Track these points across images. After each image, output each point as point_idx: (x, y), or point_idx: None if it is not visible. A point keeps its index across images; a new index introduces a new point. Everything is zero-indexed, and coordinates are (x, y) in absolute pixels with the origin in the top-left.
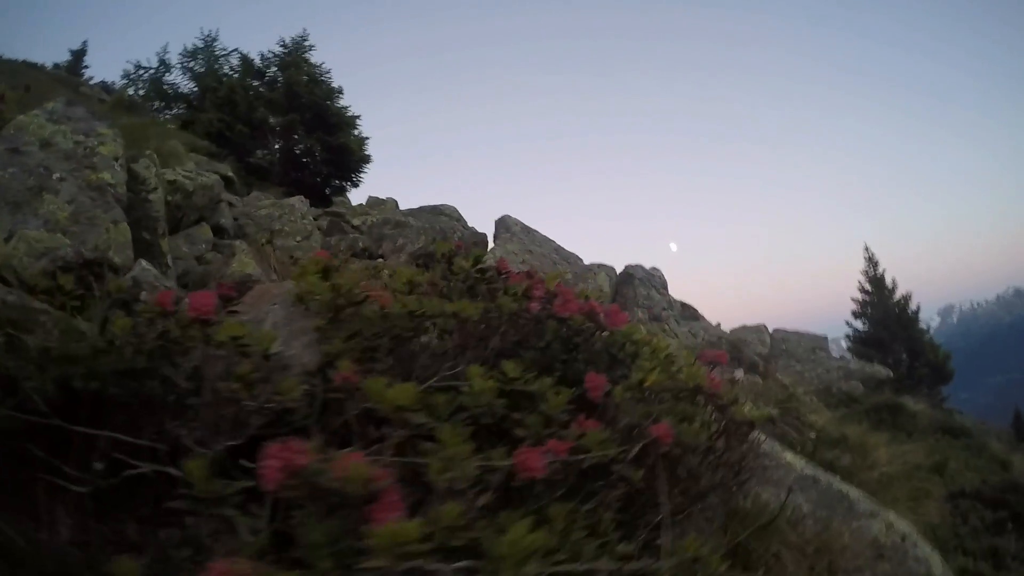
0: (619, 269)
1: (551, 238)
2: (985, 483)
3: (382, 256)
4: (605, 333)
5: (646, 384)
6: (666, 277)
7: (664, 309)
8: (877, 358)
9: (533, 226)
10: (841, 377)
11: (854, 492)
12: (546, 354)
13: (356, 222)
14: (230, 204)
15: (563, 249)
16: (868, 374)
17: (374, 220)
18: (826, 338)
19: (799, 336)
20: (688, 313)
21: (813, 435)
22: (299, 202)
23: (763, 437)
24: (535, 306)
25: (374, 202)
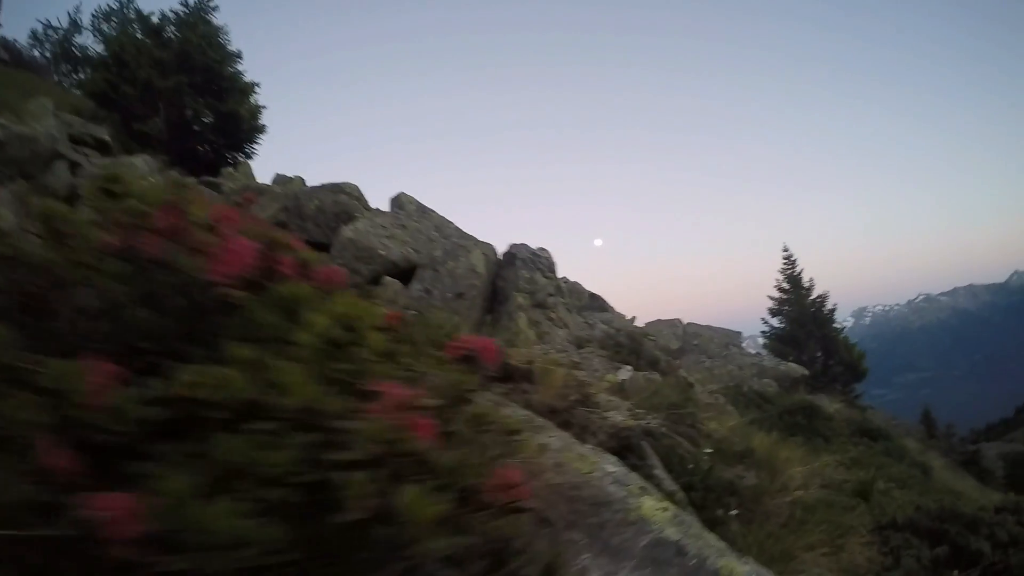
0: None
1: (450, 220)
2: (920, 510)
3: None
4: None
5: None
6: (554, 259)
7: (550, 295)
8: (792, 355)
9: (448, 215)
10: (754, 375)
11: (741, 570)
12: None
13: (227, 190)
14: (75, 164)
15: (449, 228)
16: (783, 372)
17: (232, 187)
18: (740, 334)
19: (712, 331)
20: (596, 304)
21: (709, 451)
22: (142, 161)
23: (610, 472)
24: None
25: (281, 179)
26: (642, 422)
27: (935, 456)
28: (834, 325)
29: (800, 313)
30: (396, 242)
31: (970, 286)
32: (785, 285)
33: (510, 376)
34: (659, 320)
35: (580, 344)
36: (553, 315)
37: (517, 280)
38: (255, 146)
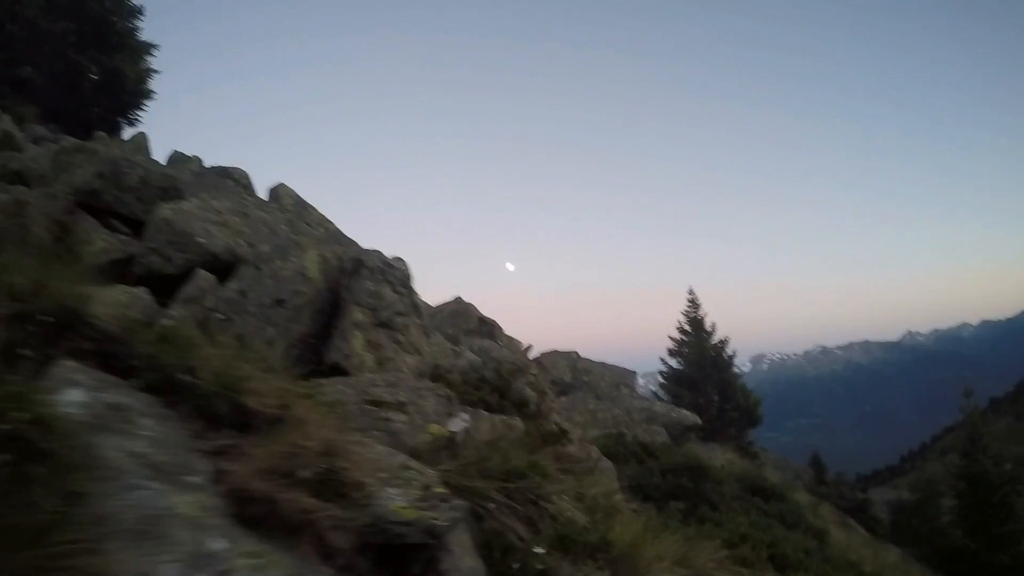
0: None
1: (330, 220)
2: None
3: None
4: None
5: None
6: (410, 272)
7: (400, 313)
8: (688, 398)
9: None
10: (643, 420)
11: None
12: None
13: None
14: None
15: (307, 219)
16: (674, 420)
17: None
18: (635, 374)
19: (604, 369)
20: (485, 329)
21: (540, 550)
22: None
23: None
24: None
25: (179, 158)
26: (435, 513)
27: (827, 508)
28: (733, 371)
29: (700, 356)
30: (227, 231)
31: (865, 342)
32: (687, 327)
33: (246, 422)
34: (555, 352)
35: (435, 376)
36: (401, 338)
37: (359, 292)
38: (140, 113)
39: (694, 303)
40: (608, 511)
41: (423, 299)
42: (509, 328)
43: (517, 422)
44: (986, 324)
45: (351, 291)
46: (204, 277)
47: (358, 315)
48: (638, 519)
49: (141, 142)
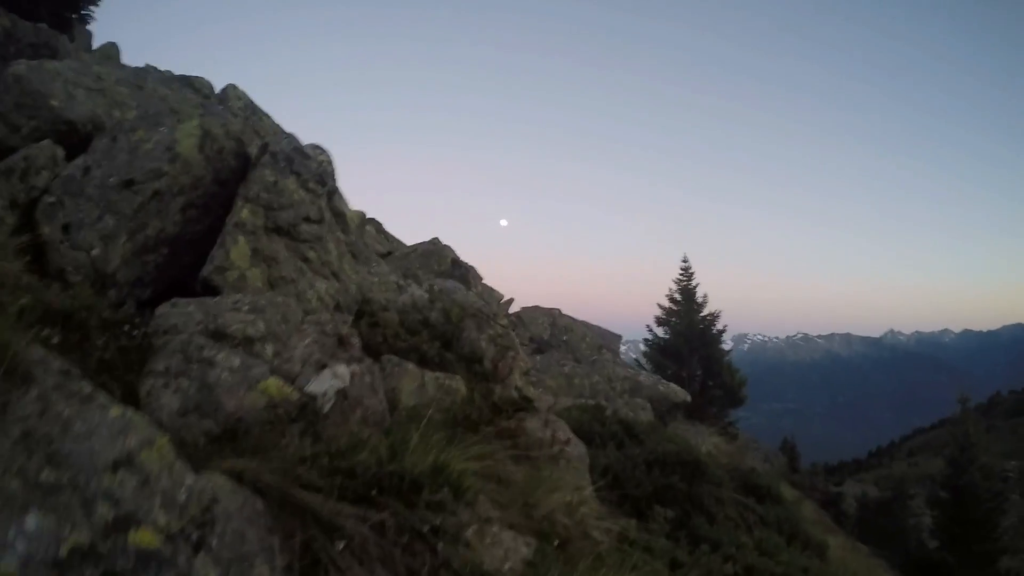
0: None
1: (287, 131)
2: None
3: None
4: None
5: None
6: (332, 167)
7: (310, 220)
8: (672, 370)
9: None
10: (626, 390)
11: None
12: None
13: None
14: None
15: (256, 127)
16: (661, 394)
17: None
18: (620, 337)
19: (587, 328)
20: (457, 273)
21: None
22: None
23: None
24: None
25: (138, 74)
26: None
27: (809, 507)
28: (721, 346)
29: (687, 328)
30: (100, 99)
31: (847, 335)
32: (677, 296)
33: None
34: (537, 307)
35: (360, 312)
36: (312, 253)
37: (253, 184)
38: (91, 10)
39: (687, 272)
40: (565, 536)
41: (351, 208)
42: (492, 280)
43: (458, 383)
44: (968, 333)
45: (247, 183)
46: (42, 148)
47: (246, 214)
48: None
49: (111, 52)
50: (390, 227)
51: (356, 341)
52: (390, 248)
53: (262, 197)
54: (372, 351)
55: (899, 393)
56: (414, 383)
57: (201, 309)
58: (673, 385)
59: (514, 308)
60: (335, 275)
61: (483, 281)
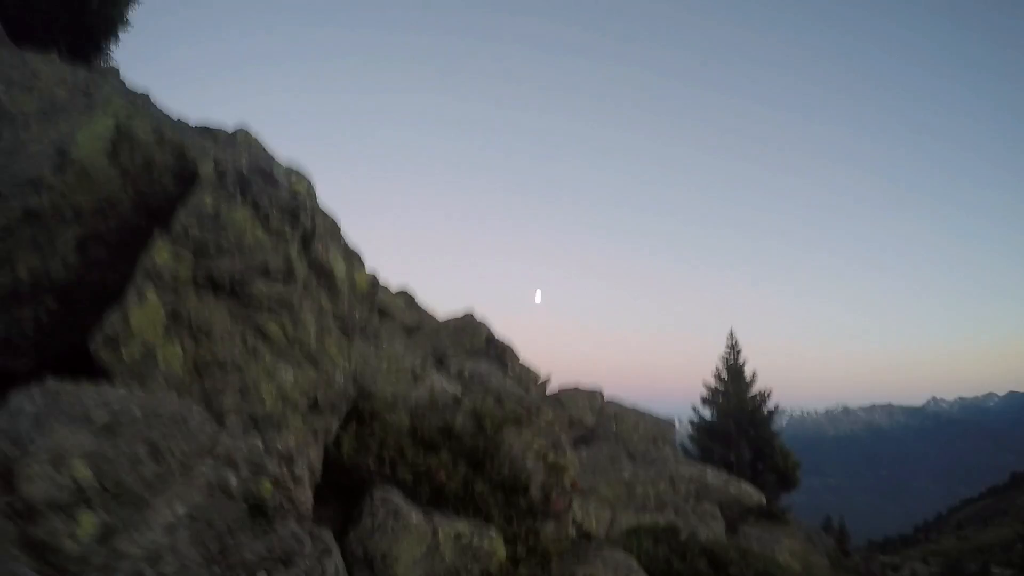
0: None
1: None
2: None
3: None
4: None
5: None
6: (316, 201)
7: (272, 273)
8: (719, 452)
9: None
10: (692, 494)
11: None
12: None
13: None
14: None
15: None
16: (732, 497)
17: None
18: (674, 424)
19: (637, 416)
20: (493, 352)
21: None
22: None
23: None
24: None
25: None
26: None
27: None
28: (771, 428)
29: (737, 408)
30: (19, 94)
31: (888, 405)
32: (724, 375)
33: None
34: (577, 389)
35: (349, 414)
36: (273, 325)
37: (185, 214)
38: (110, 43)
39: (734, 348)
40: None
41: (355, 265)
42: (527, 357)
43: (494, 542)
44: (1013, 396)
45: (176, 211)
46: None
47: (164, 258)
48: None
49: (107, 74)
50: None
51: (304, 493)
52: (418, 322)
53: (192, 234)
54: (357, 481)
55: (944, 463)
56: (420, 545)
57: (25, 416)
58: (745, 485)
59: (550, 388)
60: (312, 359)
61: (519, 359)
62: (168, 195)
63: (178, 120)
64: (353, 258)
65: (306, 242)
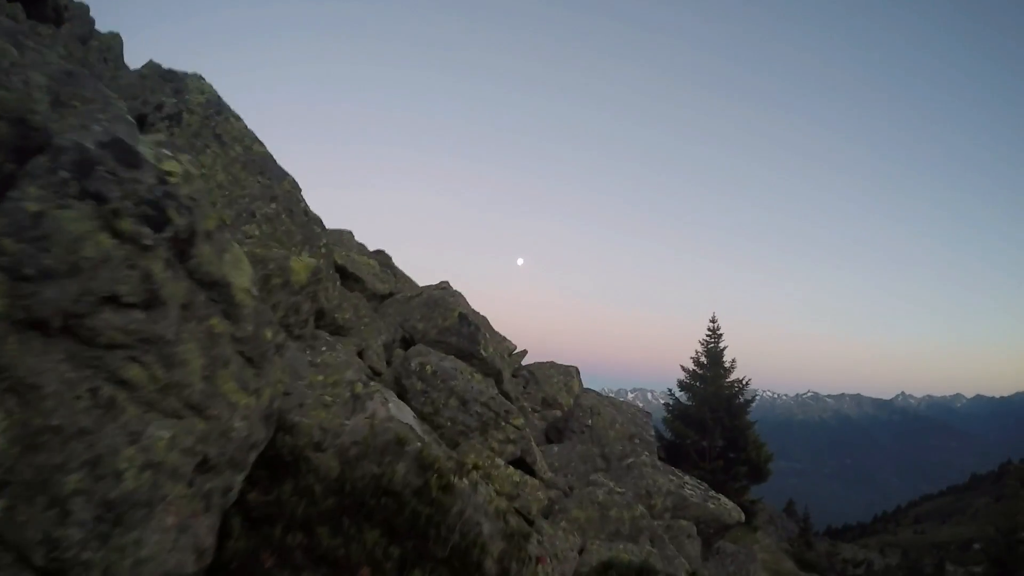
0: None
1: (258, 139)
2: None
3: None
4: None
5: None
6: (200, 191)
7: (126, 300)
8: (693, 439)
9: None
10: (668, 509)
11: None
12: None
13: None
14: None
15: (218, 129)
16: (711, 514)
17: None
18: (650, 417)
19: (614, 409)
20: (465, 330)
21: None
22: None
23: None
24: None
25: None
26: None
27: None
28: (747, 418)
29: (714, 395)
30: None
31: (858, 395)
32: (703, 359)
33: None
34: (552, 364)
35: (259, 455)
36: (135, 371)
37: None
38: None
39: (715, 333)
40: None
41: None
42: (504, 327)
43: None
44: (980, 399)
45: None
46: None
47: None
48: None
49: (111, 43)
50: (400, 262)
51: None
52: (392, 288)
53: (7, 249)
54: (248, 561)
55: (908, 457)
56: None
57: None
58: (724, 500)
59: (525, 360)
60: (197, 406)
61: (495, 330)
62: None
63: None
64: (296, 237)
65: (182, 247)
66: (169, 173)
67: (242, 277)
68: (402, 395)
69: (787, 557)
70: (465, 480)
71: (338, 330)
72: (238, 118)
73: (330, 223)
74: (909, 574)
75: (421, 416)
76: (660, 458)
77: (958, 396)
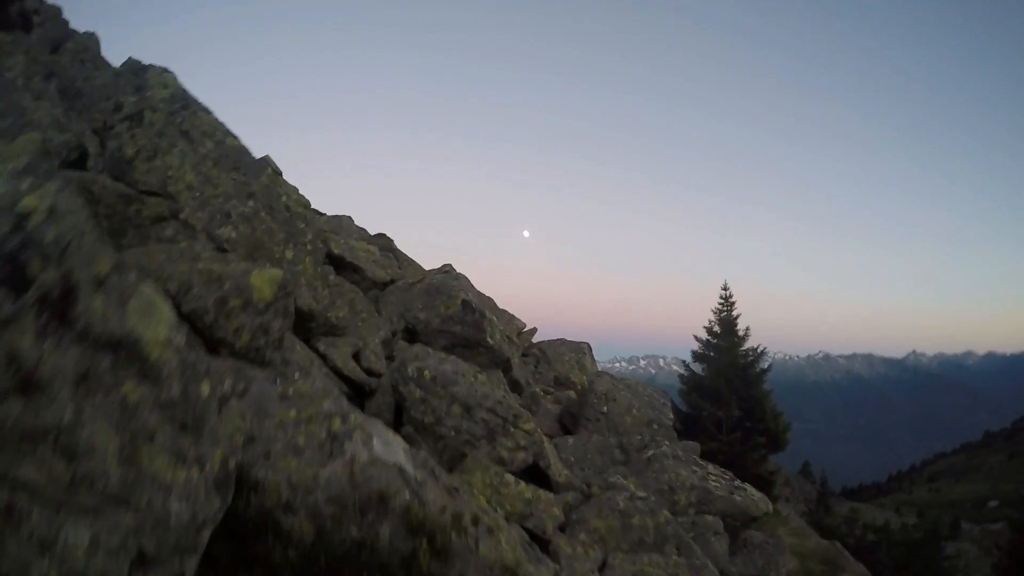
0: None
1: (230, 131)
2: None
3: None
4: None
5: None
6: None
7: None
8: (708, 410)
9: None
10: (692, 504)
11: None
12: None
13: None
14: None
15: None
16: (738, 507)
17: None
18: (668, 401)
19: (631, 394)
20: (469, 318)
21: None
22: None
23: None
24: None
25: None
26: None
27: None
28: (764, 387)
29: (728, 364)
30: None
31: (869, 355)
32: (716, 328)
33: None
34: (563, 341)
35: (219, 524)
36: (32, 467)
37: None
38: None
39: (727, 301)
40: None
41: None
42: (512, 303)
43: None
44: (991, 356)
45: None
46: None
47: None
48: None
49: (87, 43)
50: (404, 246)
51: None
52: (394, 275)
53: None
54: None
55: (921, 416)
56: None
57: None
58: (750, 491)
59: (535, 337)
60: (117, 497)
61: (503, 309)
62: None
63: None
64: (279, 235)
65: (60, 307)
66: (26, 214)
67: (157, 327)
68: (400, 404)
69: (809, 529)
70: (464, 537)
71: (332, 330)
72: (207, 111)
73: (331, 209)
74: (926, 535)
75: (422, 427)
76: (676, 429)
77: (969, 353)
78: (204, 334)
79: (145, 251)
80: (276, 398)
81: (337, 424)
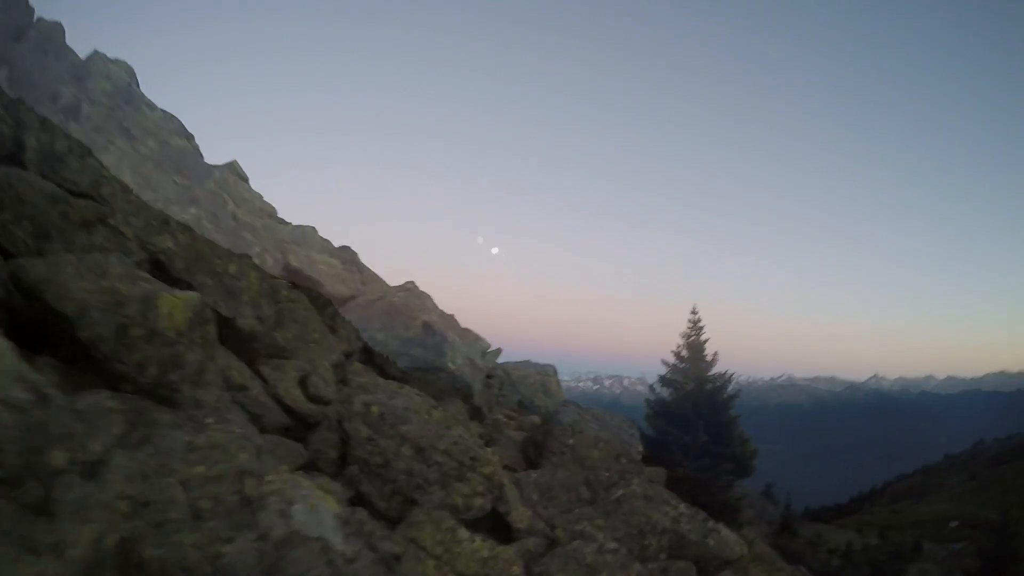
0: None
1: (186, 130)
2: None
3: None
4: None
5: None
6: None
7: None
8: (675, 436)
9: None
10: (664, 549)
11: None
12: None
13: None
14: None
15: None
16: (711, 551)
17: None
18: (635, 429)
19: (598, 423)
20: (430, 340)
21: None
22: None
23: None
24: None
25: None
26: None
27: None
28: (731, 412)
29: (695, 390)
30: None
31: (832, 378)
32: (684, 352)
33: None
34: (528, 363)
35: None
36: None
37: None
38: None
39: (695, 325)
40: None
41: None
42: (478, 323)
43: None
44: (952, 380)
45: None
46: None
47: None
48: None
49: (52, 33)
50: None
51: None
52: (355, 290)
53: None
54: None
55: (882, 438)
56: None
57: None
58: (725, 533)
59: (501, 358)
60: None
61: (467, 329)
62: None
63: None
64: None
65: None
66: None
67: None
68: (345, 441)
69: (779, 559)
70: None
71: (279, 351)
72: (153, 107)
73: (298, 219)
74: (890, 556)
75: (368, 468)
76: (644, 456)
77: (930, 378)
78: (103, 366)
79: (55, 262)
80: (182, 449)
81: (251, 486)
